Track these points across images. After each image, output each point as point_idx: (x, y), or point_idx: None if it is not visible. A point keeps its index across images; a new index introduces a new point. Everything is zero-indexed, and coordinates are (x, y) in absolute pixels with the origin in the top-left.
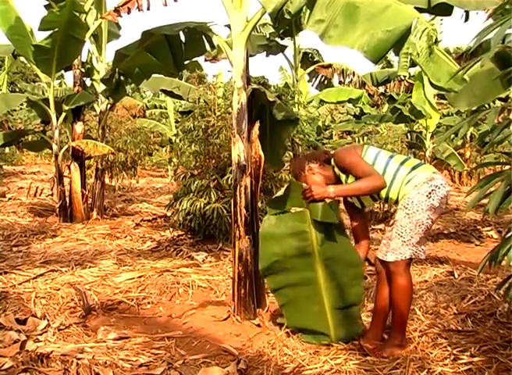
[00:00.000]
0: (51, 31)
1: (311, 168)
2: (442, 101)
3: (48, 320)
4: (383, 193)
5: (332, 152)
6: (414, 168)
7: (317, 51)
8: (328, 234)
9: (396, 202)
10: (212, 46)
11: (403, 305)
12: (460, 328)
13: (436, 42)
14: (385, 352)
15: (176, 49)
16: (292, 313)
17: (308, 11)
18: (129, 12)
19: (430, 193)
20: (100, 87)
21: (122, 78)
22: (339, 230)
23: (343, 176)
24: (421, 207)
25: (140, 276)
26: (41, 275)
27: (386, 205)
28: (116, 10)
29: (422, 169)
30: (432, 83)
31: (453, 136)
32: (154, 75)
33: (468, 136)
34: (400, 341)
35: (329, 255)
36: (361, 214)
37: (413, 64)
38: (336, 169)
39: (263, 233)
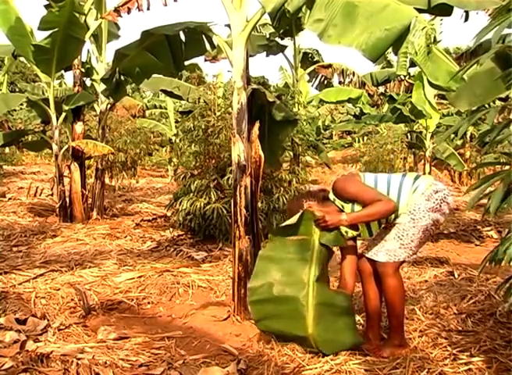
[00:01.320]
0: (50, 31)
1: (310, 206)
2: (442, 101)
3: (48, 320)
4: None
5: (330, 187)
6: (415, 179)
7: (317, 51)
8: (325, 273)
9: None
10: (212, 46)
11: (397, 306)
12: (460, 328)
13: (435, 41)
14: (385, 352)
15: (175, 49)
16: (273, 332)
17: (307, 10)
18: (129, 12)
19: (435, 197)
20: (100, 87)
21: (122, 78)
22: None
23: (347, 207)
24: (427, 213)
25: (140, 276)
26: (41, 275)
27: None
28: (116, 10)
29: (423, 178)
30: (430, 82)
31: (452, 136)
32: (154, 75)
33: (468, 136)
34: (399, 340)
35: (322, 294)
36: (355, 248)
37: (412, 64)
38: (338, 202)
39: (263, 254)
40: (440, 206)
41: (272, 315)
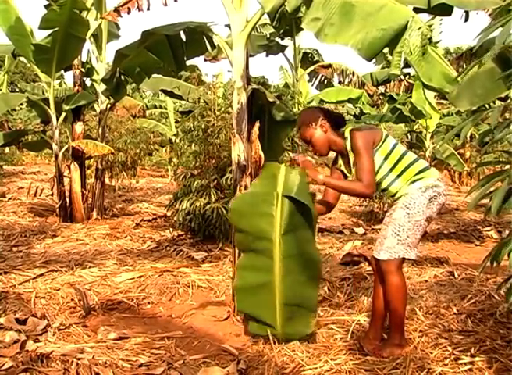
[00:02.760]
0: (51, 31)
1: (324, 124)
2: (442, 101)
3: (48, 320)
4: (384, 184)
5: (351, 127)
6: (421, 171)
7: (317, 51)
8: (293, 225)
9: (393, 196)
10: (213, 46)
11: (398, 305)
12: (460, 328)
13: (431, 42)
14: (385, 352)
15: (176, 48)
16: (243, 297)
17: (307, 10)
18: (129, 12)
19: (432, 198)
20: (100, 87)
21: (122, 77)
22: (306, 225)
23: (351, 155)
24: (422, 209)
25: (140, 276)
26: (41, 275)
27: (386, 206)
28: (116, 10)
29: (429, 173)
30: (423, 83)
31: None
32: (154, 75)
33: (468, 136)
34: (399, 340)
35: (289, 247)
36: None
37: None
38: (348, 144)
39: (234, 208)
40: (434, 206)
41: (246, 265)
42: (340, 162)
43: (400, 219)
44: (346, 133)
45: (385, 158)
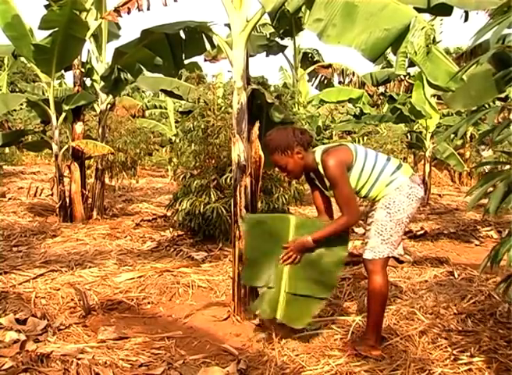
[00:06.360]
0: (51, 31)
1: (300, 151)
2: (441, 101)
3: (47, 320)
4: (363, 192)
5: (320, 151)
6: (394, 171)
7: (317, 51)
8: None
9: (373, 200)
10: (213, 45)
11: (378, 305)
12: (460, 328)
13: (434, 41)
14: (360, 349)
15: (176, 47)
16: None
17: (307, 10)
18: (129, 12)
19: (410, 194)
20: (99, 86)
21: (121, 75)
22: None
23: (327, 182)
24: (402, 207)
25: (140, 276)
26: (41, 275)
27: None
28: (116, 10)
29: (403, 171)
30: (429, 82)
31: (452, 136)
32: (154, 75)
33: (468, 136)
34: (373, 342)
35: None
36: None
37: (412, 64)
38: (321, 169)
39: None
40: (413, 201)
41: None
42: (313, 176)
43: (382, 220)
44: (318, 159)
45: (362, 170)
